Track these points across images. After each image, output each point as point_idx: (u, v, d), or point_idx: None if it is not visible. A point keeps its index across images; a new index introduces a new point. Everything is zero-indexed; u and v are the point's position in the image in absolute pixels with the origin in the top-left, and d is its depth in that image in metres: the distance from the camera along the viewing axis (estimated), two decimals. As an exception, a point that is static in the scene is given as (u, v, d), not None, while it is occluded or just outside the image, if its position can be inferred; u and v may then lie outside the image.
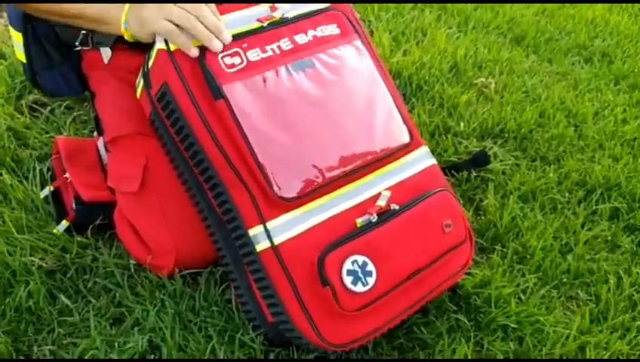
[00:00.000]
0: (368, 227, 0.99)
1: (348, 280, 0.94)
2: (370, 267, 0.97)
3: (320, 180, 0.99)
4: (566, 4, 2.41)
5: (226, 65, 0.98)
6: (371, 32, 1.95)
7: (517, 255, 1.27)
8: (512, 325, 1.11)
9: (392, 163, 1.07)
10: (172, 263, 1.09)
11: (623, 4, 2.49)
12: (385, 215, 1.01)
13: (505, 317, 1.12)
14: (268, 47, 1.02)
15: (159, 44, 0.98)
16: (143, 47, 1.02)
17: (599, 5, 2.43)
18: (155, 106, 1.01)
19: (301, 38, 1.06)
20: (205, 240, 1.06)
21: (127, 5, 1.02)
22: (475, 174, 1.45)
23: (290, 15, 1.07)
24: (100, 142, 1.26)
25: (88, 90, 1.26)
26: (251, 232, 0.96)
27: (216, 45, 0.97)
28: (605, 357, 1.10)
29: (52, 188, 1.24)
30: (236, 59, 0.99)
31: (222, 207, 0.99)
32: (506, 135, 1.61)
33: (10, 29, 1.21)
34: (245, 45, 1.01)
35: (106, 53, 1.17)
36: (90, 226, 1.17)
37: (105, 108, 1.19)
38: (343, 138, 1.03)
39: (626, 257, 1.31)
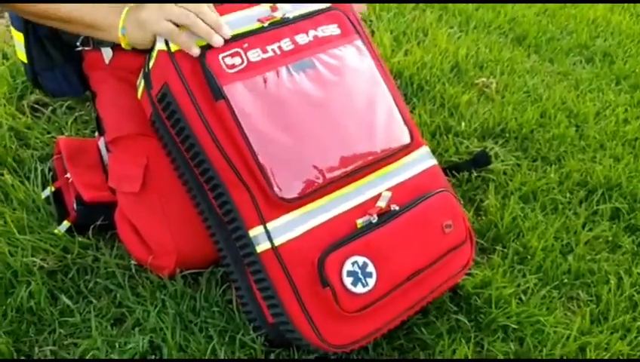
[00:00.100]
0: (369, 228, 0.99)
1: (348, 281, 0.95)
2: (371, 268, 0.97)
3: (320, 181, 0.99)
4: (567, 4, 2.40)
5: (226, 65, 0.98)
6: (372, 32, 1.95)
7: (517, 255, 1.27)
8: (513, 325, 1.11)
9: (392, 163, 1.07)
10: (173, 263, 1.09)
11: (625, 4, 2.49)
12: (385, 216, 1.01)
13: (505, 318, 1.12)
14: (269, 48, 1.02)
15: (160, 45, 0.98)
16: (143, 47, 1.03)
17: (601, 5, 2.43)
18: (156, 107, 1.01)
19: (302, 39, 1.06)
20: (206, 241, 1.06)
21: (124, 11, 1.02)
22: (475, 174, 1.45)
23: (290, 15, 1.07)
24: (101, 143, 1.26)
25: (89, 90, 1.26)
26: (252, 233, 0.96)
27: (216, 40, 0.97)
28: (606, 358, 1.10)
29: (53, 189, 1.24)
30: (237, 60, 0.99)
31: (222, 208, 0.99)
32: (507, 135, 1.61)
33: (12, 29, 1.22)
34: (246, 45, 1.01)
35: (107, 53, 1.17)
36: (92, 226, 1.17)
37: (106, 109, 1.19)
38: (343, 138, 1.03)
39: (626, 257, 1.31)
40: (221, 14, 1.00)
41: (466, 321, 1.11)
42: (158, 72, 0.99)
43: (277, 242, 0.95)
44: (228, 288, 1.11)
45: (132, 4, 1.03)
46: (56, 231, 1.17)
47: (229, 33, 0.99)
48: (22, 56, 1.23)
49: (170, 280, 1.10)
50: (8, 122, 1.42)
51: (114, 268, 1.12)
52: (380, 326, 0.99)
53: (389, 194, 1.04)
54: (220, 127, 0.96)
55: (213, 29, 0.97)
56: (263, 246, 0.96)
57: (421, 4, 2.19)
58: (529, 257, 1.26)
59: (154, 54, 0.99)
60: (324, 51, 1.06)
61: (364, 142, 1.04)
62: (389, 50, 1.84)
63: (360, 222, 1.00)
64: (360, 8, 2.01)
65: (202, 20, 0.97)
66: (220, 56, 0.98)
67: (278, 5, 1.06)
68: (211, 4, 1.00)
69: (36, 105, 1.51)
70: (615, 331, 1.15)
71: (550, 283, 1.22)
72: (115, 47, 1.14)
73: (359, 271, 0.96)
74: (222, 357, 1.01)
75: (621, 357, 1.11)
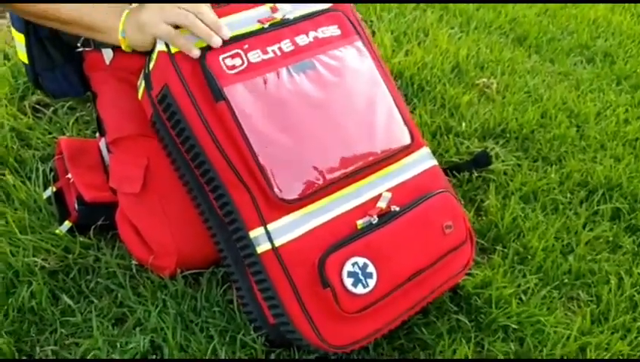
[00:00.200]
0: (369, 228, 1.00)
1: (348, 281, 0.95)
2: (371, 269, 0.97)
3: (321, 182, 0.99)
4: (568, 4, 2.40)
5: (226, 66, 0.98)
6: (373, 33, 1.95)
7: (518, 255, 1.27)
8: (513, 326, 1.11)
9: (392, 164, 1.08)
10: (174, 264, 1.10)
11: (626, 4, 2.48)
12: (385, 216, 1.02)
13: (506, 318, 1.12)
14: (269, 49, 1.02)
15: (160, 46, 0.98)
16: (144, 48, 1.03)
17: (601, 5, 2.43)
18: (156, 108, 1.01)
19: (302, 40, 1.06)
20: (207, 241, 1.06)
21: (124, 14, 1.02)
22: (476, 175, 1.45)
23: (291, 16, 1.07)
24: (102, 143, 1.27)
25: (90, 91, 1.26)
26: (252, 234, 0.97)
27: (215, 41, 0.98)
28: (606, 358, 1.10)
29: (55, 189, 1.24)
30: (237, 61, 0.99)
31: (223, 209, 1.00)
32: (508, 135, 1.61)
33: (13, 30, 1.22)
34: (246, 46, 1.01)
35: (107, 54, 1.17)
36: (93, 227, 1.18)
37: (106, 109, 1.20)
38: (343, 139, 1.03)
39: (627, 258, 1.31)
40: (221, 15, 1.01)
41: (467, 321, 1.11)
42: (159, 73, 0.99)
43: (277, 243, 0.96)
44: (229, 288, 1.11)
45: (132, 6, 1.04)
46: (57, 231, 1.17)
47: (228, 34, 0.99)
48: (23, 56, 1.23)
49: (171, 280, 1.11)
50: (10, 123, 1.42)
51: (115, 268, 1.13)
52: (380, 327, 0.99)
53: (389, 194, 1.04)
54: (220, 128, 0.96)
55: (212, 29, 0.98)
56: (263, 246, 0.96)
57: (422, 5, 2.19)
58: (529, 257, 1.26)
59: (154, 55, 0.99)
60: (324, 52, 1.07)
61: (365, 143, 1.05)
62: (389, 51, 1.85)
63: (360, 222, 1.00)
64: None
65: (201, 21, 0.97)
66: (221, 58, 0.98)
67: (279, 6, 1.07)
68: (210, 5, 1.00)
69: (37, 106, 1.51)
70: (615, 331, 1.15)
71: (550, 283, 1.22)
72: (116, 48, 1.15)
73: (359, 272, 0.96)
74: (223, 357, 1.01)
75: (621, 358, 1.11)
